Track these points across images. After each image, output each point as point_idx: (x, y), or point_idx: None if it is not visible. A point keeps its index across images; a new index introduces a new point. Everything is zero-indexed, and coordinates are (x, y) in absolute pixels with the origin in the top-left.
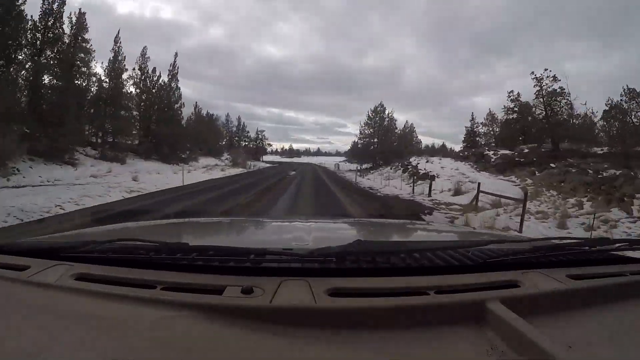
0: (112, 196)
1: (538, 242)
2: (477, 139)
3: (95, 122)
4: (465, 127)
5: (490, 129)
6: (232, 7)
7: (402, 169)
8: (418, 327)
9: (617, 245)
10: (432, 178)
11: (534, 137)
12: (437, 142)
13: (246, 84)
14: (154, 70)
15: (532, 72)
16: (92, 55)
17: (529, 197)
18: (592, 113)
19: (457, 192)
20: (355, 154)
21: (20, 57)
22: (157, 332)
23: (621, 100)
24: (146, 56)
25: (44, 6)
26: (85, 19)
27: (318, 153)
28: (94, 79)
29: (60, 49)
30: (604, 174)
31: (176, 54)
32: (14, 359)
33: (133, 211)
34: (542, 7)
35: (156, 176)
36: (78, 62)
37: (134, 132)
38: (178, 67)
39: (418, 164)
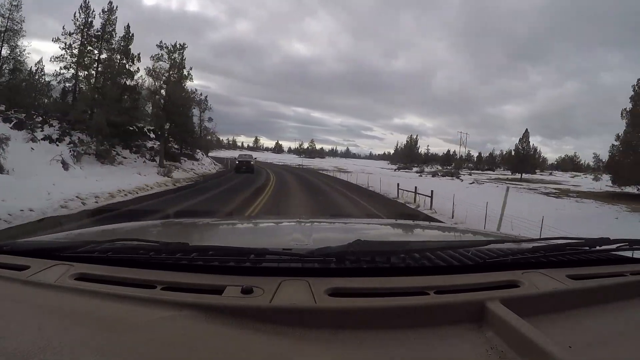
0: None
1: (538, 242)
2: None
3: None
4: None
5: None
6: (259, 0)
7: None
8: (418, 327)
9: (617, 245)
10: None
11: None
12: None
13: (273, 81)
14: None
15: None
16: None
17: None
18: None
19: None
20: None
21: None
22: (157, 332)
23: None
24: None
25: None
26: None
27: (347, 155)
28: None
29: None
30: None
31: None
32: (14, 359)
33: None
34: (581, 13)
35: None
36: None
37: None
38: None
39: None
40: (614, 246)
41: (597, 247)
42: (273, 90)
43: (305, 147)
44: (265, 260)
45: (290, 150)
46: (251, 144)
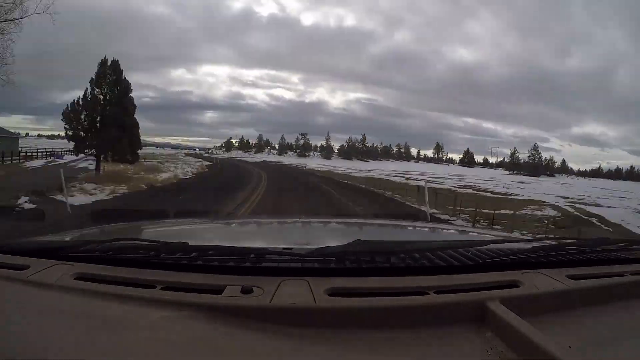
0: None
1: (538, 242)
2: None
3: None
4: None
5: None
6: (416, 8)
7: None
8: (418, 327)
9: (617, 245)
10: None
11: None
12: None
13: (439, 91)
14: None
15: None
16: None
17: None
18: None
19: None
20: None
21: None
22: (157, 332)
23: None
24: None
25: None
26: None
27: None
28: None
29: None
30: None
31: None
32: (14, 359)
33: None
34: None
35: None
36: None
37: None
38: None
39: None
40: (614, 246)
41: (597, 247)
42: (440, 100)
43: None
44: (265, 260)
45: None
46: (429, 154)
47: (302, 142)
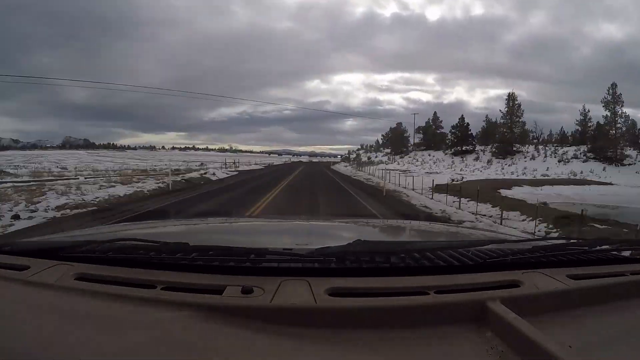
0: None
1: (538, 242)
2: None
3: None
4: None
5: None
6: None
7: None
8: (418, 327)
9: (617, 245)
10: None
11: None
12: None
13: (588, 79)
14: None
15: None
16: None
17: None
18: None
19: None
20: None
21: None
22: (157, 332)
23: None
24: None
25: None
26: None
27: None
28: None
29: None
30: None
31: None
32: (14, 359)
33: None
34: None
35: None
36: None
37: None
38: None
39: None
40: (614, 246)
41: (597, 247)
42: (588, 89)
43: None
44: (265, 260)
45: None
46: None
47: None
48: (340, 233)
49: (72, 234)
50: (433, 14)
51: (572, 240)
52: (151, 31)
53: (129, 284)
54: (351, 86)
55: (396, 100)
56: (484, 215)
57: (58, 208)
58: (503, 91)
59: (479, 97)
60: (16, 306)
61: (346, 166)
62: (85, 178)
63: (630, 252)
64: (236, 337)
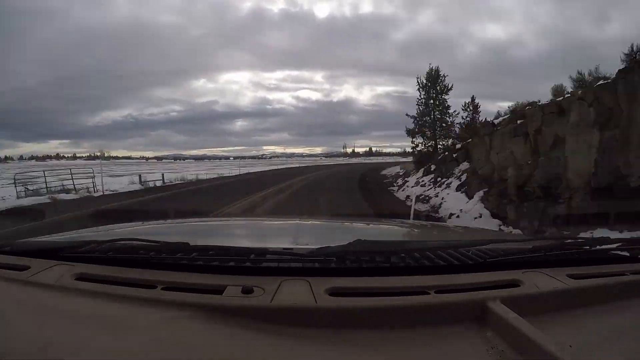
0: None
1: (538, 241)
2: None
3: None
4: None
5: None
6: None
7: None
8: (418, 327)
9: (617, 245)
10: None
11: None
12: None
13: (472, 76)
14: None
15: None
16: None
17: None
18: None
19: None
20: None
21: None
22: (158, 332)
23: None
24: None
25: None
26: None
27: None
28: None
29: None
30: None
31: None
32: (14, 359)
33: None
34: None
35: None
36: None
37: None
38: None
39: None
40: (614, 245)
41: (598, 247)
42: (472, 84)
43: None
44: (265, 260)
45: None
46: None
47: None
48: (340, 233)
49: (72, 234)
50: (322, 10)
51: (572, 240)
52: (22, 24)
53: (129, 284)
54: (239, 85)
55: (286, 99)
56: None
57: None
58: (392, 88)
59: (367, 94)
60: (16, 306)
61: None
62: None
63: (630, 251)
64: (236, 337)
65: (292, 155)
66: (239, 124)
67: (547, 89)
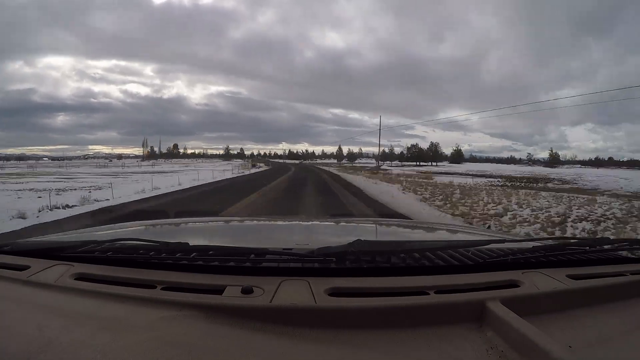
0: None
1: (538, 242)
2: None
3: None
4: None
5: None
6: None
7: None
8: (418, 327)
9: (617, 245)
10: None
11: None
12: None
13: (308, 81)
14: None
15: None
16: None
17: None
18: None
19: None
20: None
21: None
22: (157, 332)
23: None
24: None
25: None
26: None
27: (361, 155)
28: None
29: None
30: None
31: None
32: (14, 359)
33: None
34: None
35: None
36: None
37: None
38: None
39: None
40: (614, 246)
41: (597, 247)
42: (309, 91)
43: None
44: (265, 260)
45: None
46: (300, 151)
47: None
48: (340, 233)
49: (71, 234)
50: None
51: (572, 240)
52: None
53: (129, 284)
54: (61, 72)
55: (113, 92)
56: None
57: None
58: (225, 88)
59: (200, 93)
60: (16, 306)
61: None
62: None
63: (630, 252)
64: (236, 337)
65: (120, 156)
66: (61, 119)
67: (381, 100)
